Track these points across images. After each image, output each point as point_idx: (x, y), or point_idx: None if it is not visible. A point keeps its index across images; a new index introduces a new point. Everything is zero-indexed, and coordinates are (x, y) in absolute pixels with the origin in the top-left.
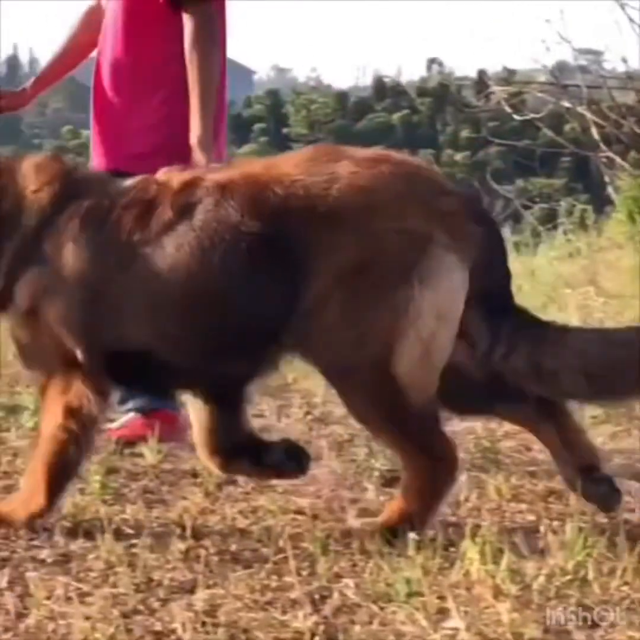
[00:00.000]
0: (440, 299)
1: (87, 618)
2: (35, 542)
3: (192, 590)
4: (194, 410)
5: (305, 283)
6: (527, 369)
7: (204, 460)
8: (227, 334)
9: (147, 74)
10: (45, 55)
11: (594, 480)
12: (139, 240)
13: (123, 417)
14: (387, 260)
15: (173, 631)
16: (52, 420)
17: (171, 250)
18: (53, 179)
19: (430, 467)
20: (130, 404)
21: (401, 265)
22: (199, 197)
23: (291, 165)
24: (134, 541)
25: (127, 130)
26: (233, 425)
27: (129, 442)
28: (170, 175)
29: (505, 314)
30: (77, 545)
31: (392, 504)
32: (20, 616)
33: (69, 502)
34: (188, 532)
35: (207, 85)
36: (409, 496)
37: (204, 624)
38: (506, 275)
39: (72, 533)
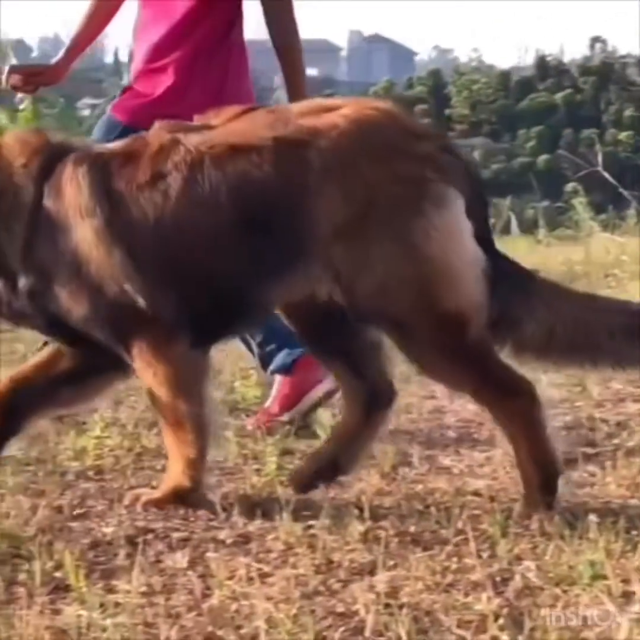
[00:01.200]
0: (460, 218)
1: (269, 599)
2: (214, 523)
3: (372, 572)
4: None
5: (308, 239)
6: (496, 312)
7: None
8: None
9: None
10: None
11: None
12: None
13: (273, 391)
14: (390, 201)
15: (355, 613)
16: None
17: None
18: (40, 150)
19: (517, 405)
20: (271, 368)
21: (407, 201)
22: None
23: (260, 124)
24: (311, 522)
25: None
26: None
27: (293, 406)
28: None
29: (489, 254)
30: (256, 526)
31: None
32: (203, 596)
33: (246, 483)
34: (366, 514)
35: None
36: (522, 444)
37: (386, 605)
38: (486, 216)
39: (249, 514)
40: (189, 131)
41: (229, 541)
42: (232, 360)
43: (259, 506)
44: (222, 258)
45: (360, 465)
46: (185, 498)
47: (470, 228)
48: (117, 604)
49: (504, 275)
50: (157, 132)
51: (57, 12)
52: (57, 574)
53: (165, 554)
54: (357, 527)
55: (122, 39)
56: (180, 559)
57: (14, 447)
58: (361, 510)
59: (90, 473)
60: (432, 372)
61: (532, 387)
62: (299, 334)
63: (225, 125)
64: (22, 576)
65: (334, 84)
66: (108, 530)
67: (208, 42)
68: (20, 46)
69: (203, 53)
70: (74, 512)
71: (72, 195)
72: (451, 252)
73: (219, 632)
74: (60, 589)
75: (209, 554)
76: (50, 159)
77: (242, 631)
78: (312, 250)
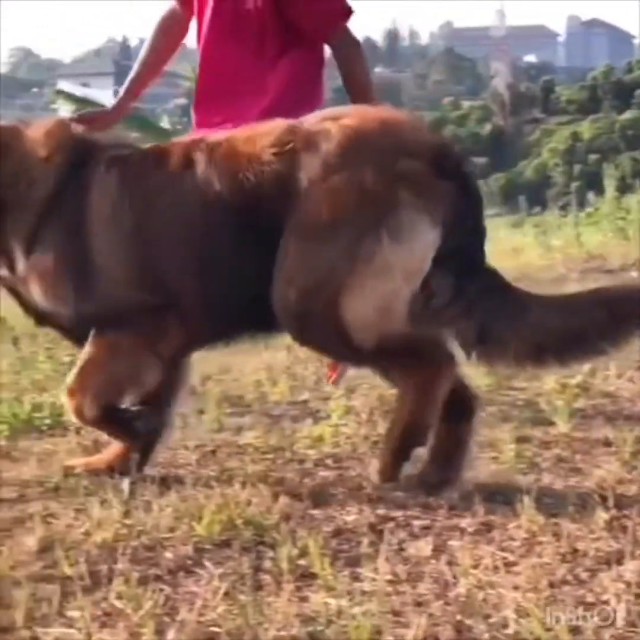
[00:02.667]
0: (411, 256)
1: (516, 588)
2: (455, 511)
3: (619, 561)
4: None
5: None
6: (476, 333)
7: None
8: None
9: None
10: (424, 28)
11: None
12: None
13: None
14: (355, 215)
15: (605, 602)
16: None
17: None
18: (63, 144)
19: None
20: None
21: (370, 219)
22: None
23: (264, 131)
24: (554, 511)
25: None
26: None
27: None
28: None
29: (472, 273)
30: (497, 514)
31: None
32: (449, 585)
33: (484, 471)
34: (610, 502)
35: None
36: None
37: (637, 596)
38: (478, 232)
39: (490, 502)
40: (210, 140)
41: (471, 529)
42: None
43: (498, 494)
44: (230, 257)
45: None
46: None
47: (419, 267)
48: (363, 592)
49: (489, 294)
50: (185, 138)
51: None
52: (302, 562)
53: (408, 542)
54: (601, 516)
55: None
56: (423, 547)
57: (251, 435)
58: (604, 498)
59: (328, 461)
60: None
61: (445, 358)
62: None
63: (237, 133)
64: (267, 564)
65: (552, 70)
66: (349, 518)
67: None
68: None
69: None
70: (315, 500)
71: (93, 194)
72: (377, 282)
73: (468, 621)
74: (306, 576)
75: (452, 543)
76: (72, 155)
77: (491, 620)
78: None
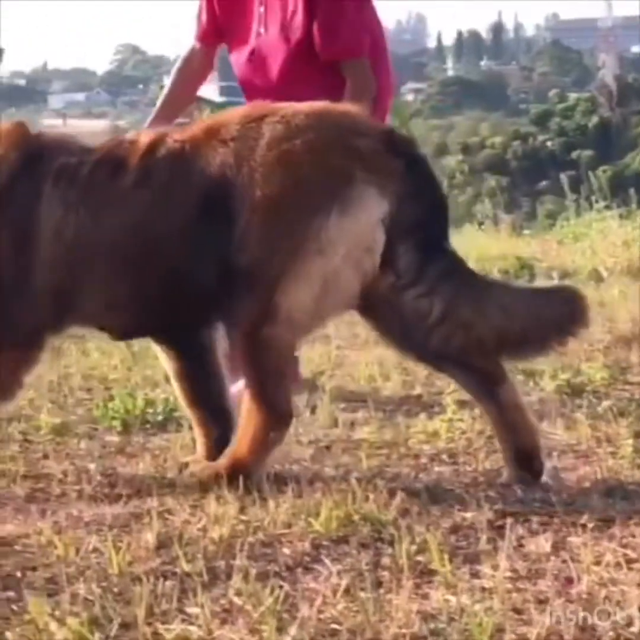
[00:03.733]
0: (358, 232)
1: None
2: (573, 507)
3: None
4: (166, 360)
5: (235, 223)
6: (440, 314)
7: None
8: (181, 281)
9: None
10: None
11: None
12: (108, 196)
13: None
14: (305, 193)
15: None
16: None
17: (135, 202)
18: (18, 142)
19: (266, 418)
20: None
21: (321, 196)
22: (161, 155)
23: (226, 122)
24: None
25: None
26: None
27: None
28: (139, 135)
29: (435, 252)
30: (617, 510)
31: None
32: (570, 582)
33: (601, 466)
34: None
35: None
36: (243, 441)
37: None
38: (439, 210)
39: (609, 498)
40: (162, 135)
41: (590, 525)
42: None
43: (617, 490)
44: (177, 248)
45: None
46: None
47: (367, 241)
48: (483, 589)
49: (448, 275)
50: (134, 136)
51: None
52: (420, 558)
53: (526, 539)
54: None
55: (443, 23)
56: (543, 543)
57: (365, 431)
58: None
59: (444, 456)
60: (231, 340)
61: (290, 411)
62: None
63: (192, 127)
64: (385, 560)
65: None
66: (467, 514)
67: None
68: None
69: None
70: (431, 496)
71: (40, 189)
72: (319, 260)
73: (591, 619)
74: (425, 573)
75: (572, 539)
76: (25, 153)
77: (615, 618)
78: (239, 227)
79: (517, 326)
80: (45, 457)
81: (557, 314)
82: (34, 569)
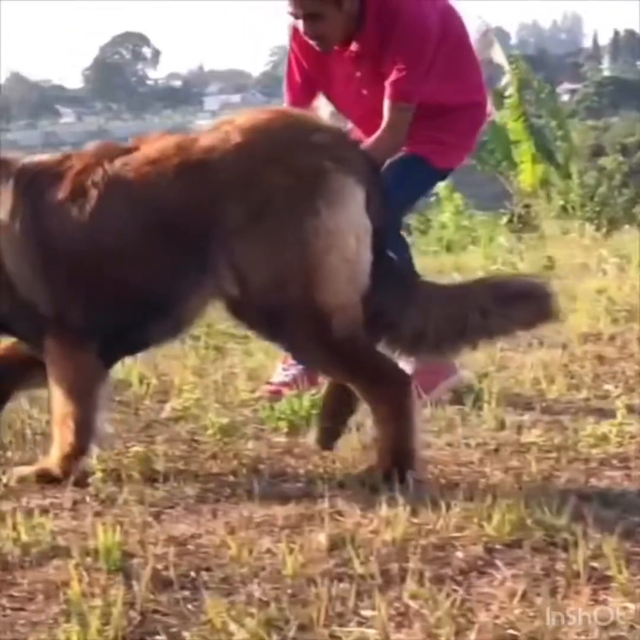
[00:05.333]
0: (353, 216)
1: None
2: None
3: None
4: None
5: (213, 242)
6: (373, 312)
7: None
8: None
9: None
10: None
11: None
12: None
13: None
14: (286, 198)
15: None
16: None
17: (97, 213)
18: None
19: (386, 393)
20: None
21: (302, 197)
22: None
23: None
24: None
25: None
26: None
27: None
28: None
29: (382, 253)
30: None
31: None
32: None
33: None
34: None
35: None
36: (385, 430)
37: None
38: (381, 210)
39: None
40: (113, 152)
41: None
42: None
43: None
44: (136, 268)
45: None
46: (47, 480)
47: (364, 224)
48: None
49: (385, 274)
50: (85, 152)
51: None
52: (595, 564)
53: None
54: None
55: (599, 23)
56: None
57: (534, 434)
58: None
59: (614, 461)
60: (306, 360)
61: (406, 378)
62: None
63: (144, 147)
64: (559, 565)
65: None
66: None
67: None
68: (499, 33)
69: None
70: (604, 501)
71: None
72: (334, 252)
73: None
74: (601, 579)
75: None
76: None
77: None
78: (217, 250)
79: (437, 327)
80: (214, 457)
81: (485, 302)
82: (208, 569)
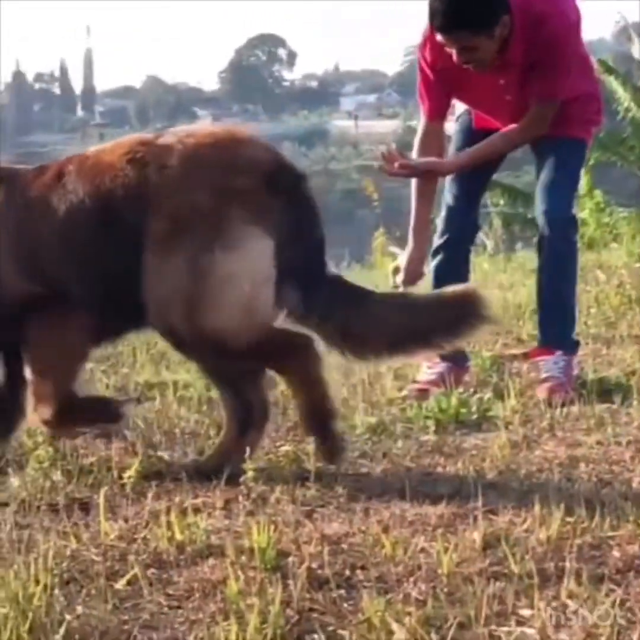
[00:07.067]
0: (249, 264)
1: None
2: None
3: None
4: None
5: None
6: (337, 335)
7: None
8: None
9: None
10: None
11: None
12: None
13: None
14: (190, 230)
15: None
16: None
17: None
18: None
19: (242, 417)
20: None
21: (202, 234)
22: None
23: (121, 143)
24: None
25: None
26: None
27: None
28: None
29: (318, 283)
30: None
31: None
32: None
33: None
34: None
35: (492, 151)
36: (225, 439)
37: None
38: (317, 244)
39: None
40: (78, 158)
41: None
42: None
43: None
44: (98, 260)
45: None
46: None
47: (262, 270)
48: None
49: (337, 300)
50: (60, 160)
51: None
52: None
53: None
54: None
55: None
56: None
57: None
58: None
59: None
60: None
61: (309, 340)
62: None
63: (103, 149)
64: None
65: None
66: None
67: None
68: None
69: None
70: None
71: None
72: (223, 292)
73: None
74: None
75: None
76: None
77: None
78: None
79: (403, 333)
80: (363, 456)
81: (443, 319)
82: (362, 567)
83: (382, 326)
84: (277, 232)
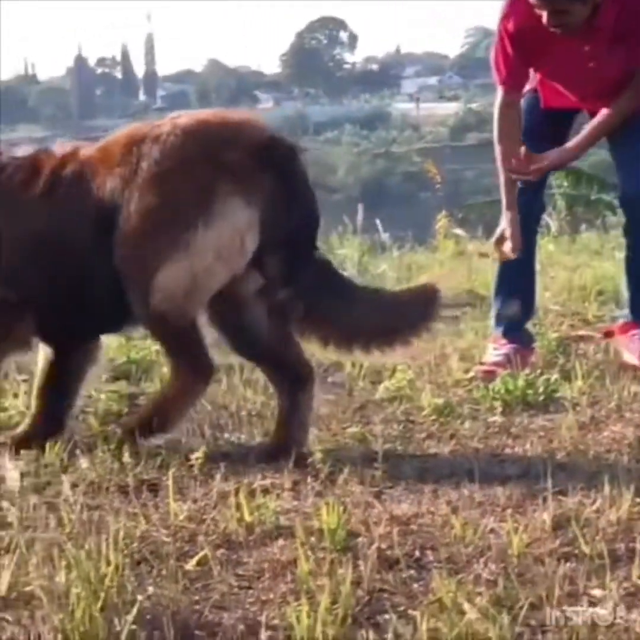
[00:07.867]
0: (222, 240)
1: None
2: None
3: None
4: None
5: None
6: (303, 310)
7: None
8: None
9: None
10: None
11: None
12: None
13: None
14: (174, 206)
15: None
16: None
17: (42, 211)
18: None
19: (183, 380)
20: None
21: (187, 210)
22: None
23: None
24: None
25: None
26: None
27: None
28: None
29: (304, 259)
30: None
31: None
32: None
33: None
34: None
35: (614, 119)
36: (158, 401)
37: None
38: (307, 220)
39: None
40: (71, 150)
41: None
42: None
43: None
44: (85, 254)
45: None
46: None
47: (239, 243)
48: None
49: (320, 283)
50: (50, 150)
51: None
52: None
53: None
54: None
55: None
56: None
57: None
58: None
59: None
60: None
61: (208, 372)
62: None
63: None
64: None
65: None
66: None
67: None
68: None
69: None
70: None
71: None
72: (191, 268)
73: None
74: None
75: None
76: None
77: None
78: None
79: (367, 325)
80: (430, 437)
81: (412, 314)
82: (432, 548)
83: (365, 321)
84: (264, 204)
